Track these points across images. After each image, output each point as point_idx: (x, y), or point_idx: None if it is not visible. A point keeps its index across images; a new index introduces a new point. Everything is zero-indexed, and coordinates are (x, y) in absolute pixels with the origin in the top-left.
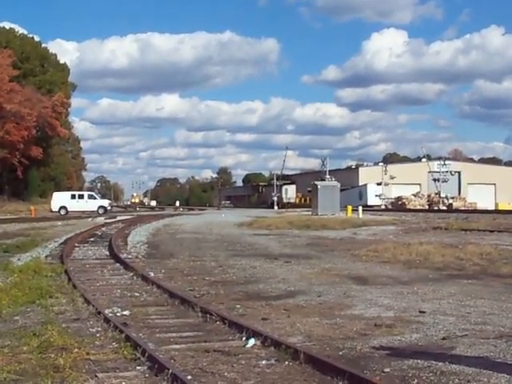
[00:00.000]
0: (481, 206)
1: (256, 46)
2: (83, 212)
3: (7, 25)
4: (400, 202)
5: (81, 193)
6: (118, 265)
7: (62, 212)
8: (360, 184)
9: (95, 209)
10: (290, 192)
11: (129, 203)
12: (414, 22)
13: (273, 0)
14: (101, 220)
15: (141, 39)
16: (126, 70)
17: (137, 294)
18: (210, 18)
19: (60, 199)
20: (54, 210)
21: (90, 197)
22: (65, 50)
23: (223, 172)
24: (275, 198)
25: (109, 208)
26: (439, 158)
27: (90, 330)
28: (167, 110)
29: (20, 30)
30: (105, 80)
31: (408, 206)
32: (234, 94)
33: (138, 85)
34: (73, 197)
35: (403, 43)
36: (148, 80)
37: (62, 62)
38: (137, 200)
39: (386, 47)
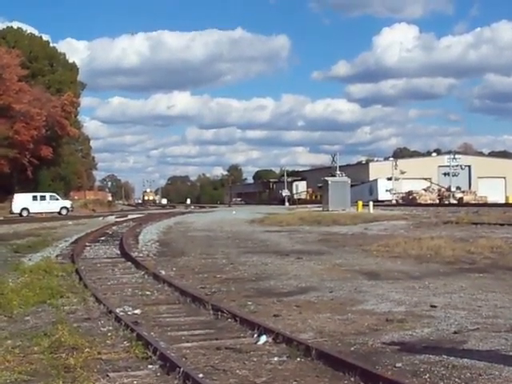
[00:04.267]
0: (491, 199)
1: (267, 42)
2: (45, 213)
3: (18, 24)
4: (411, 197)
5: (42, 194)
6: (129, 263)
7: (24, 213)
8: (370, 179)
9: (58, 210)
10: (301, 188)
11: (140, 201)
12: (425, 16)
13: None
14: (112, 219)
15: (152, 37)
16: (137, 68)
17: (148, 293)
18: (221, 15)
19: (21, 201)
20: (15, 211)
21: (52, 198)
22: (75, 49)
23: (234, 169)
24: (286, 195)
25: (71, 209)
26: (449, 152)
27: (101, 329)
28: (178, 108)
29: (28, 30)
30: (115, 78)
31: (419, 201)
32: (244, 91)
33: (149, 83)
34: (34, 198)
35: (414, 38)
36: (159, 78)
37: (71, 61)
38: (151, 197)
39: (397, 42)
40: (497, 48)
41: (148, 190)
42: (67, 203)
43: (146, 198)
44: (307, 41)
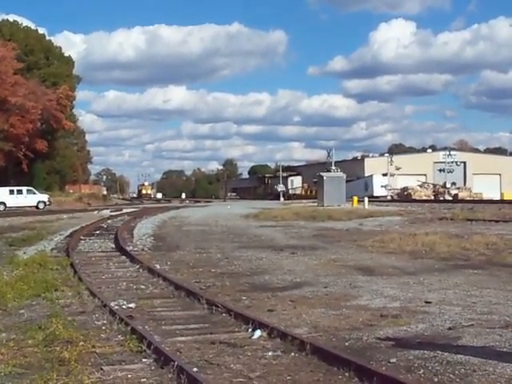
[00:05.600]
0: (486, 196)
1: (264, 37)
2: (22, 207)
3: (15, 17)
4: (406, 193)
5: (19, 188)
6: (123, 257)
7: (1, 208)
8: (366, 175)
9: (35, 204)
10: (296, 183)
11: (134, 195)
12: (423, 12)
13: None
14: (106, 213)
15: (148, 31)
16: (133, 62)
17: (142, 287)
18: (218, 9)
19: None
20: None
21: (29, 192)
22: (72, 43)
23: (229, 164)
24: (281, 190)
25: (48, 203)
26: (445, 149)
27: (96, 322)
28: (174, 102)
29: (24, 23)
30: (112, 72)
31: (414, 197)
32: (241, 85)
33: (145, 77)
34: (11, 192)
35: (411, 34)
36: (155, 72)
37: (66, 54)
38: (148, 191)
39: (394, 38)
40: (494, 44)
41: (146, 184)
42: (44, 197)
43: (143, 191)
44: (304, 36)
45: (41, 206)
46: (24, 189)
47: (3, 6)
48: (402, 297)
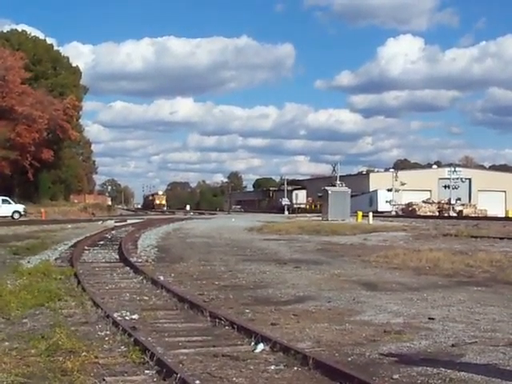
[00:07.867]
0: (491, 213)
1: (272, 51)
2: None
3: (23, 27)
4: (410, 208)
5: None
6: (127, 268)
7: None
8: (370, 190)
9: (10, 214)
10: (301, 197)
11: (139, 206)
12: (431, 28)
13: (289, 5)
14: (111, 223)
15: (157, 43)
16: (141, 73)
17: (146, 298)
18: (227, 22)
19: None
20: None
21: (4, 201)
22: (80, 53)
23: (234, 176)
24: (285, 203)
25: (23, 213)
26: (450, 165)
27: (99, 333)
28: (181, 114)
29: (32, 33)
30: (119, 83)
31: (418, 213)
32: (248, 98)
33: (153, 88)
34: None
35: (418, 50)
36: (163, 84)
37: (74, 64)
38: (163, 201)
39: (402, 53)
40: (501, 62)
41: (160, 193)
42: (20, 207)
43: (156, 201)
44: (312, 50)
45: (16, 216)
46: None
47: (14, 16)
48: (406, 313)
